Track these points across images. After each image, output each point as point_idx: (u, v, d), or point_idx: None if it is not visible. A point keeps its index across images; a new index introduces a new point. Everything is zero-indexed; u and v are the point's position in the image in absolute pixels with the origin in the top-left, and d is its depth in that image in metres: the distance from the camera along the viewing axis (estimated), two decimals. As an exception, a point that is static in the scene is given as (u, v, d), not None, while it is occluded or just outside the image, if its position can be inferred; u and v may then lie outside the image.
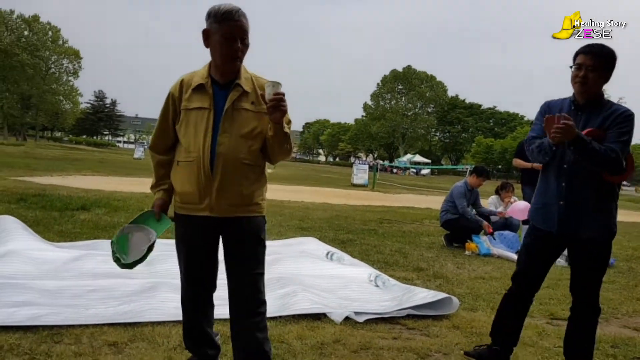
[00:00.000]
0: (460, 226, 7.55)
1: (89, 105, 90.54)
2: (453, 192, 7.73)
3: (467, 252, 7.04)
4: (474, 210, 7.81)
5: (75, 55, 65.91)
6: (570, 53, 2.96)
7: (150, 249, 2.60)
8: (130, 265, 2.59)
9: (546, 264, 3.12)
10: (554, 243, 3.05)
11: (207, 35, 2.42)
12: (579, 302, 3.04)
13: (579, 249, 2.98)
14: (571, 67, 2.90)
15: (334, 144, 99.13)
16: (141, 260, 2.60)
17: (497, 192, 8.57)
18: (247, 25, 2.42)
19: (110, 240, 2.67)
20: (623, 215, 16.97)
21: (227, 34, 2.36)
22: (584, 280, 3.00)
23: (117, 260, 2.59)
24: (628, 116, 2.81)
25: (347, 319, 3.77)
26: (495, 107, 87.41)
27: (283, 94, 2.33)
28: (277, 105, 2.31)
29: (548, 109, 3.03)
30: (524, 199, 8.35)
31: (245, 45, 2.43)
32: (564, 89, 3.08)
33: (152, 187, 2.71)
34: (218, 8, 2.38)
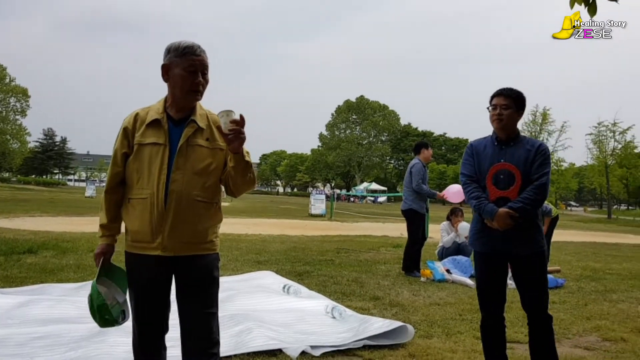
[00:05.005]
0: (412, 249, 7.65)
1: (37, 143, 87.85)
2: (412, 171, 7.63)
3: (422, 279, 7.12)
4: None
5: (23, 93, 63.88)
6: (503, 81, 3.27)
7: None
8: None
9: (497, 283, 3.31)
10: (496, 262, 3.28)
11: (166, 70, 2.40)
12: (532, 315, 3.24)
13: (518, 265, 3.25)
14: (488, 107, 3.29)
15: (292, 174, 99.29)
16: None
17: (448, 218, 8.72)
18: (208, 61, 2.44)
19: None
20: (572, 235, 17.64)
21: (189, 67, 2.36)
22: (531, 293, 3.23)
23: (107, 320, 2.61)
24: (546, 149, 3.24)
25: (303, 353, 3.74)
26: (445, 133, 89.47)
27: (241, 121, 2.28)
28: (237, 134, 2.27)
29: (473, 148, 3.40)
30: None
31: (206, 81, 2.44)
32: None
33: (102, 227, 2.53)
34: (179, 43, 2.40)
